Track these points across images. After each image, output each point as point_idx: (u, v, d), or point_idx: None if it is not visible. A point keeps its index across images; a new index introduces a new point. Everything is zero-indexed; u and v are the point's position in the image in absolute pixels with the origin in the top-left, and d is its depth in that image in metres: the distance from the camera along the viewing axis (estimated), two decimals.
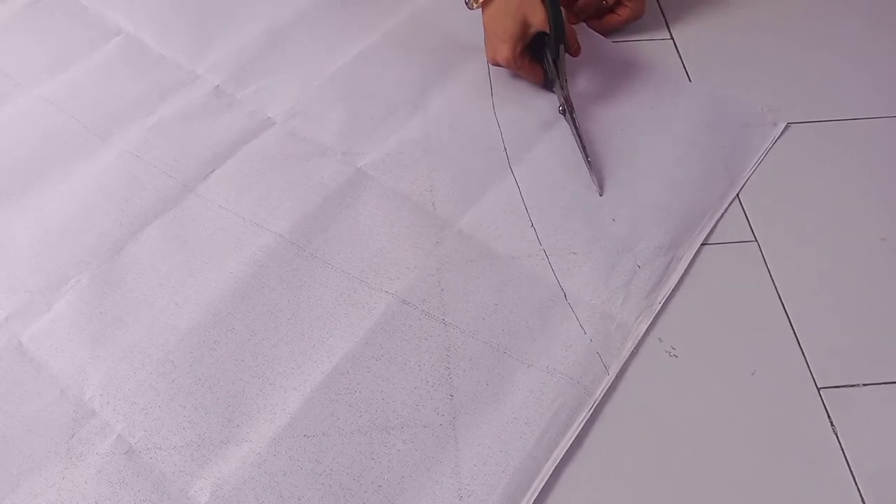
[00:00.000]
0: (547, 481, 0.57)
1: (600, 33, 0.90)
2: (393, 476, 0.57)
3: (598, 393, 0.62)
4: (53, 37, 0.90)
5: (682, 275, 0.69)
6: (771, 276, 0.69)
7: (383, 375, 0.62)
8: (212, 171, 0.76)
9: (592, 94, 0.83)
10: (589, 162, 0.76)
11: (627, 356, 0.64)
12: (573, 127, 0.78)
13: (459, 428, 0.60)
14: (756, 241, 0.72)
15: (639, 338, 0.65)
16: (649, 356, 0.64)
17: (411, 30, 0.89)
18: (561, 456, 0.58)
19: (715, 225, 0.73)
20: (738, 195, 0.75)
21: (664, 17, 0.93)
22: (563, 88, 0.80)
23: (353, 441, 0.59)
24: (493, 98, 0.83)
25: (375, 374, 0.62)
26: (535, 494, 0.56)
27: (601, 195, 0.74)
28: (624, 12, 0.89)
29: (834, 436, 0.60)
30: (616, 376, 0.63)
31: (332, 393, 0.61)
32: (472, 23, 0.86)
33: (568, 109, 0.79)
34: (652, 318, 0.66)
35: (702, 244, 0.71)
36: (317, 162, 0.77)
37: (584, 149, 0.77)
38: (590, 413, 0.60)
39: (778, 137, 0.79)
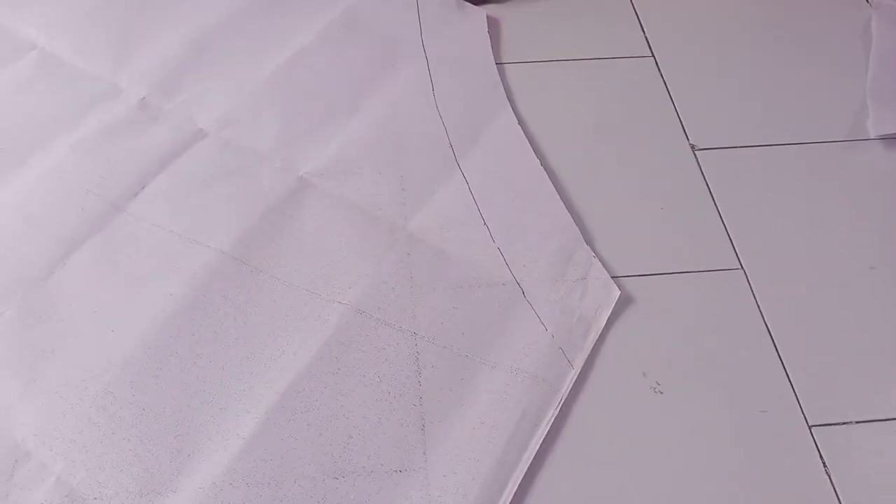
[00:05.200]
0: (520, 485, 0.55)
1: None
2: (359, 495, 0.54)
3: (565, 389, 0.60)
4: None
5: (665, 305, 0.66)
6: (758, 306, 0.66)
7: (342, 390, 0.59)
8: (142, 188, 0.72)
9: None
10: None
11: (591, 349, 0.62)
12: None
13: (426, 437, 0.57)
14: (742, 268, 0.69)
15: (600, 330, 0.64)
16: (633, 392, 0.61)
17: (345, 28, 0.86)
18: (531, 459, 0.56)
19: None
20: (722, 220, 0.72)
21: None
22: None
23: (314, 462, 0.56)
24: (434, 93, 0.81)
25: (333, 390, 0.59)
26: (509, 500, 0.54)
27: None
28: None
29: (826, 476, 0.57)
30: (599, 413, 0.60)
31: (289, 413, 0.58)
32: (406, 17, 0.84)
33: None
34: (611, 309, 0.65)
35: (685, 272, 0.68)
36: (255, 171, 0.73)
37: None
38: (557, 411, 0.59)
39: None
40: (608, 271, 0.67)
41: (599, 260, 0.68)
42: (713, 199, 0.74)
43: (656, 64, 0.87)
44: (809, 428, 0.59)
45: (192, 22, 0.86)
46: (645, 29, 0.90)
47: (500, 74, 0.83)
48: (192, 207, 0.70)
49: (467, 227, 0.70)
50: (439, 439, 0.57)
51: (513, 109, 0.79)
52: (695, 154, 0.78)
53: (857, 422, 0.60)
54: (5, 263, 0.66)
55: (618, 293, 0.65)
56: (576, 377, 0.61)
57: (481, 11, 0.88)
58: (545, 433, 0.57)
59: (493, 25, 0.88)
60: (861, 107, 0.82)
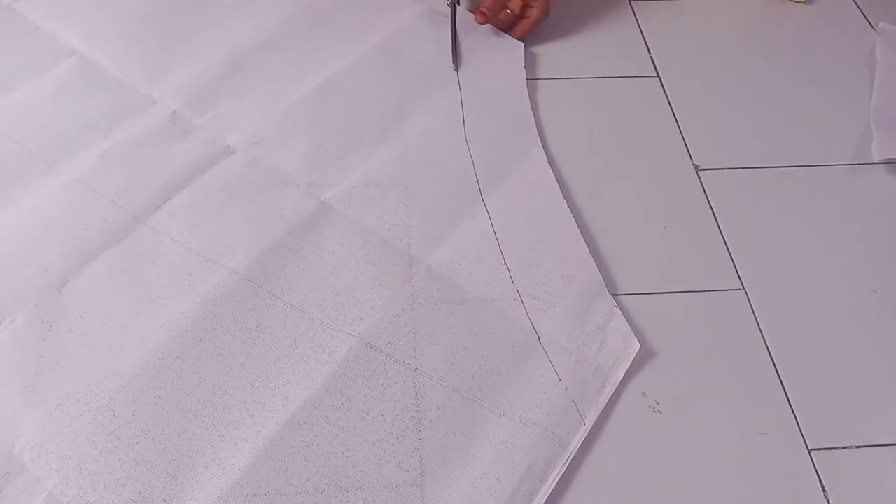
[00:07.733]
0: None
1: (516, 38, 0.89)
2: None
3: (574, 445, 0.57)
4: (1, 56, 0.85)
5: (666, 324, 0.65)
6: (759, 327, 0.65)
7: (344, 426, 0.58)
8: (165, 202, 0.71)
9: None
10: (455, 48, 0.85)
11: (605, 405, 0.60)
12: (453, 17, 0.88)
13: (425, 485, 0.55)
14: (744, 289, 0.68)
15: (616, 384, 0.61)
16: (632, 411, 0.60)
17: (379, 57, 0.86)
18: None
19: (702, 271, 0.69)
20: (725, 240, 0.72)
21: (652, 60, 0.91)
22: None
23: (308, 501, 0.54)
24: (465, 126, 0.79)
25: (335, 425, 0.58)
26: None
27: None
28: (532, 13, 0.88)
29: (825, 500, 0.56)
30: (596, 431, 0.58)
31: (287, 446, 0.56)
32: (443, 47, 0.83)
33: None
34: (630, 363, 0.62)
35: (686, 291, 0.67)
36: (278, 193, 0.73)
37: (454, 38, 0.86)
38: (565, 468, 0.56)
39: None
40: (609, 288, 0.66)
41: (613, 297, 0.66)
42: (716, 220, 0.74)
43: (661, 84, 0.86)
44: (809, 452, 0.58)
45: (231, 39, 0.87)
46: (650, 49, 0.90)
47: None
48: (212, 225, 0.70)
49: (487, 265, 0.68)
50: (438, 488, 0.55)
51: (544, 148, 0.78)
52: (698, 174, 0.77)
53: (858, 446, 0.58)
54: (22, 270, 0.66)
55: (637, 347, 0.63)
56: (586, 434, 0.58)
57: (519, 45, 0.87)
58: (550, 491, 0.55)
59: (530, 59, 0.87)
60: (865, 131, 0.82)
